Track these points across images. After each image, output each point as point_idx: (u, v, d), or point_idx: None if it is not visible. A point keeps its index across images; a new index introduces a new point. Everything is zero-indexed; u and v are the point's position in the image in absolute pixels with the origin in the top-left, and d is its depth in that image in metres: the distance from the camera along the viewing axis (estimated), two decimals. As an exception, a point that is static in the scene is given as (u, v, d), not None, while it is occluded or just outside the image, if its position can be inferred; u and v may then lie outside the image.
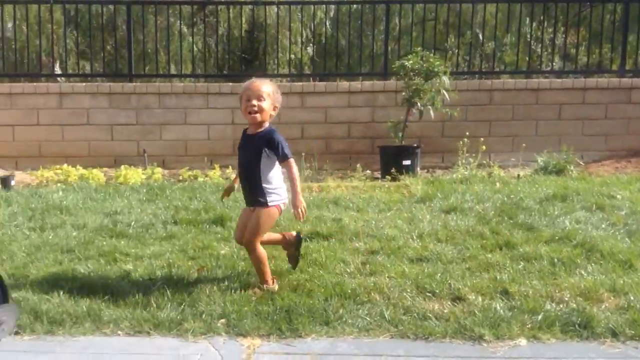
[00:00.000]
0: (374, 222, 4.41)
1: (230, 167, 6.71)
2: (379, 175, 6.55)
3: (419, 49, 6.91)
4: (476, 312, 2.86)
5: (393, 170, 6.26)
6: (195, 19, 9.47)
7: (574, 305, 2.91)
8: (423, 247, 3.83)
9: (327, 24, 9.69)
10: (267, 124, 3.21)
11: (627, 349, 2.58)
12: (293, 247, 3.46)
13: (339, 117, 7.40)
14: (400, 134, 6.73)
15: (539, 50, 8.34)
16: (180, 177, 6.46)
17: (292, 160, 3.16)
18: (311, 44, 9.46)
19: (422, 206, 4.96)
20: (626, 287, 3.10)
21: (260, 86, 3.14)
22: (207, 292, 3.11)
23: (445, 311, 2.92)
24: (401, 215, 4.66)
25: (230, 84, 7.47)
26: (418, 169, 6.61)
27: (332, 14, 9.79)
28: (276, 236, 3.42)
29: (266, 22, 8.99)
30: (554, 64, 8.29)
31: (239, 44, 9.17)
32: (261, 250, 3.17)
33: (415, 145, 6.72)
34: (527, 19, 8.86)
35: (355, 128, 7.42)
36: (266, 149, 3.11)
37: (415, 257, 3.66)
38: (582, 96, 7.38)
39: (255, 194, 3.14)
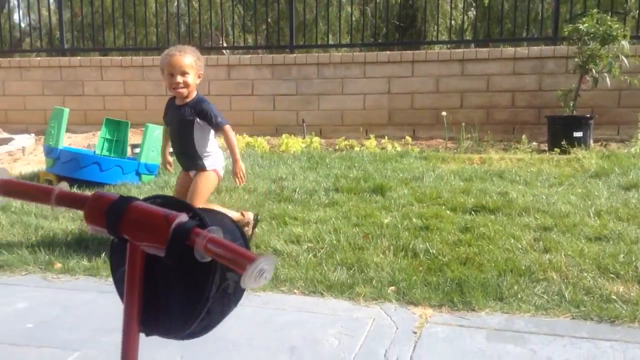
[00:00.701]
0: (544, 197, 4.16)
1: (385, 137, 6.70)
2: (546, 148, 6.15)
3: (595, 10, 6.30)
4: (672, 297, 2.58)
5: (563, 142, 5.83)
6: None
7: None
8: (602, 225, 3.55)
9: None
10: (194, 94, 3.20)
11: None
12: (249, 228, 3.36)
13: (502, 85, 7.03)
14: (571, 104, 6.23)
15: None
16: (337, 147, 6.58)
17: (227, 127, 3.22)
18: (472, 8, 9.03)
19: (597, 182, 4.59)
20: None
21: (182, 60, 3.07)
22: (375, 259, 3.14)
23: (632, 294, 2.67)
24: (574, 190, 4.36)
25: (388, 52, 7.40)
26: (591, 141, 6.10)
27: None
28: (234, 213, 3.26)
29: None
30: None
31: (396, 12, 9.01)
32: None
33: (587, 115, 6.19)
34: None
35: (519, 97, 7.00)
36: (198, 119, 3.13)
37: (593, 236, 3.41)
38: None
39: (192, 159, 3.22)
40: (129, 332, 1.00)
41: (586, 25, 6.03)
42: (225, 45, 9.70)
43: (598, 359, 2.20)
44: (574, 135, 5.95)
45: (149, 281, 1.00)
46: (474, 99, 7.09)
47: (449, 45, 8.17)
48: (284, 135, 6.69)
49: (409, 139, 6.69)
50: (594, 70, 6.06)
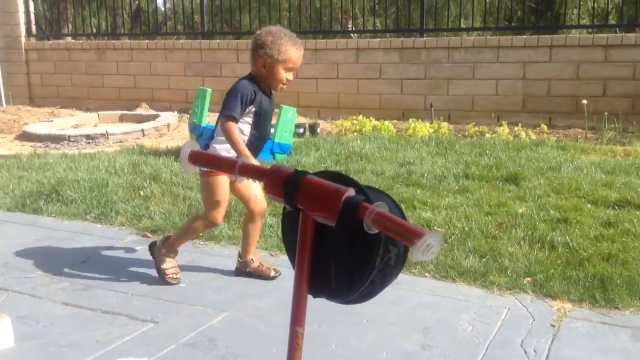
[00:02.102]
0: (699, 195, 3.81)
1: (519, 124, 6.45)
2: (701, 142, 5.59)
3: None
4: None
5: None
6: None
7: None
8: None
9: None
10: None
11: None
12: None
13: (652, 73, 6.47)
14: None
15: None
16: (466, 133, 6.42)
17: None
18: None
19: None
20: None
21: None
22: (509, 248, 3.07)
23: None
24: None
25: (524, 37, 7.06)
26: None
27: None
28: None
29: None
30: None
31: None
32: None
33: None
34: None
35: (673, 86, 6.41)
36: None
37: None
38: None
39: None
40: (299, 291, 1.09)
41: None
42: (353, 29, 9.78)
43: None
44: None
45: (318, 249, 1.08)
46: (618, 87, 6.58)
47: (590, 30, 7.63)
48: (410, 120, 6.66)
49: (544, 127, 6.38)
50: None
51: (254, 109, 2.67)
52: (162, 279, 2.82)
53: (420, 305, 2.56)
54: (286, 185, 1.06)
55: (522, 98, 7.00)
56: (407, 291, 2.68)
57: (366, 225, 0.97)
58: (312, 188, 1.05)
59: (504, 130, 6.18)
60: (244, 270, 2.89)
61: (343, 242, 1.05)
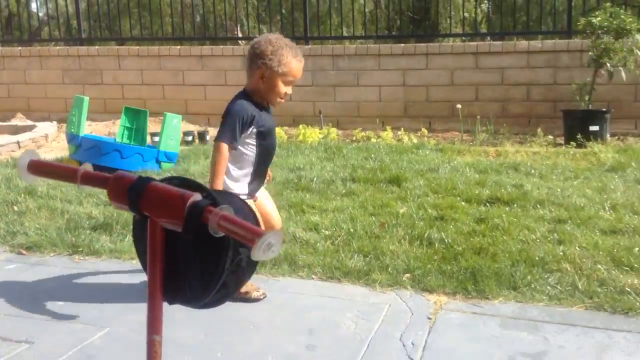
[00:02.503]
0: (559, 190, 4.19)
1: (401, 129, 6.74)
2: (562, 141, 6.15)
3: (608, 4, 6.29)
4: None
5: (579, 136, 5.84)
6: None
7: None
8: (617, 219, 3.58)
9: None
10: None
11: None
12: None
13: (516, 78, 7.02)
14: (586, 97, 6.23)
15: None
16: (354, 138, 6.63)
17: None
18: (486, 1, 9.00)
19: (613, 175, 4.61)
20: None
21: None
22: (390, 247, 3.20)
23: (646, 287, 2.71)
24: (590, 184, 4.38)
25: (402, 45, 7.41)
26: (607, 135, 6.10)
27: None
28: None
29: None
30: None
31: (410, 4, 9.01)
32: None
33: (604, 109, 6.19)
34: None
35: (535, 90, 7.00)
36: None
37: (608, 229, 3.44)
38: None
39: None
40: (153, 299, 1.10)
41: (599, 19, 6.02)
42: (240, 35, 9.76)
43: (611, 348, 2.25)
44: (590, 129, 5.95)
45: (170, 254, 1.09)
46: (489, 92, 7.09)
47: (463, 38, 8.17)
48: (301, 126, 6.75)
49: (425, 131, 6.72)
50: (608, 64, 6.04)
51: (255, 130, 2.48)
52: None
53: (306, 307, 2.61)
54: (130, 192, 1.06)
55: (404, 104, 7.34)
56: (294, 294, 2.72)
57: (211, 229, 0.99)
58: (157, 194, 1.05)
59: (387, 134, 6.44)
60: None
61: (193, 247, 1.06)
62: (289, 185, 4.44)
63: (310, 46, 7.77)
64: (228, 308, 2.54)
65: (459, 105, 6.54)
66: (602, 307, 2.57)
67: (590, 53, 6.22)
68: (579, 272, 2.88)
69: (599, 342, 2.29)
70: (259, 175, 2.61)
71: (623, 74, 6.07)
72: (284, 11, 8.79)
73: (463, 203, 3.99)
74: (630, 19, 6.04)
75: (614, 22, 6.02)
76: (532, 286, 2.75)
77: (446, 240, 3.29)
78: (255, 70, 2.47)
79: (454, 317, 2.51)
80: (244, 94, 2.53)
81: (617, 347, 2.26)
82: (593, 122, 5.99)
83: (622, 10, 6.24)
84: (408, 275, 2.89)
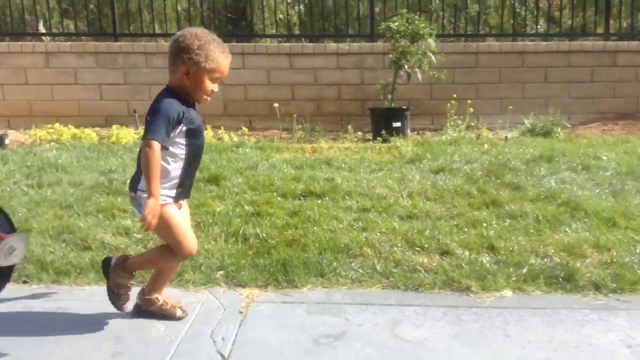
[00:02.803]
0: (365, 182, 4.51)
1: (222, 128, 6.75)
2: (370, 137, 6.63)
3: (404, 10, 6.93)
4: (463, 265, 3.00)
5: (384, 132, 6.34)
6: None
7: (558, 259, 3.06)
8: (413, 205, 3.95)
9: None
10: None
11: (610, 300, 2.72)
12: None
13: (328, 78, 7.42)
14: (389, 96, 6.79)
15: (523, 13, 8.34)
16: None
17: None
18: (298, 4, 9.36)
19: (412, 167, 5.07)
20: (609, 243, 3.24)
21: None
22: (205, 246, 3.21)
23: (434, 264, 3.05)
24: (392, 175, 4.77)
25: (219, 44, 7.42)
26: (408, 130, 6.70)
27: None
28: None
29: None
30: (538, 26, 8.29)
31: (225, 3, 9.04)
32: None
33: (404, 107, 6.79)
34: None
35: (345, 90, 7.46)
36: None
37: (405, 215, 3.78)
38: (567, 59, 7.45)
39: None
40: None
41: (397, 24, 6.60)
42: (44, 31, 9.00)
43: (402, 322, 2.50)
44: (393, 125, 6.49)
45: None
46: (304, 92, 7.40)
47: (280, 40, 8.42)
48: (114, 126, 6.44)
49: (245, 129, 6.81)
50: (406, 66, 6.65)
51: (184, 128, 2.29)
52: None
53: (114, 314, 2.52)
54: None
55: (223, 103, 7.36)
56: (101, 303, 2.60)
57: None
58: None
59: (207, 133, 6.40)
60: (145, 308, 2.49)
61: None
62: (98, 189, 4.21)
63: (120, 43, 7.43)
64: (31, 320, 2.36)
65: (276, 104, 6.72)
66: (397, 286, 2.84)
67: (390, 55, 6.79)
68: (379, 255, 3.15)
69: (392, 318, 2.53)
70: (188, 178, 2.42)
71: (419, 75, 6.72)
72: (91, 6, 8.27)
73: (279, 198, 4.12)
74: (423, 25, 6.70)
75: (410, 27, 6.63)
76: (337, 271, 2.94)
77: (261, 235, 3.38)
78: (179, 66, 2.30)
79: (264, 308, 2.60)
80: (169, 91, 2.34)
81: (408, 320, 2.51)
82: (396, 119, 6.54)
83: (416, 17, 6.90)
84: (222, 272, 2.93)
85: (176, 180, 2.37)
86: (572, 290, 2.78)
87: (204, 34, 2.35)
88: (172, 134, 2.26)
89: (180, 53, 2.29)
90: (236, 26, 9.41)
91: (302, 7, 9.80)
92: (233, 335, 2.34)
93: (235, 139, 6.38)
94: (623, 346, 2.27)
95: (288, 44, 7.61)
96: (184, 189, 2.43)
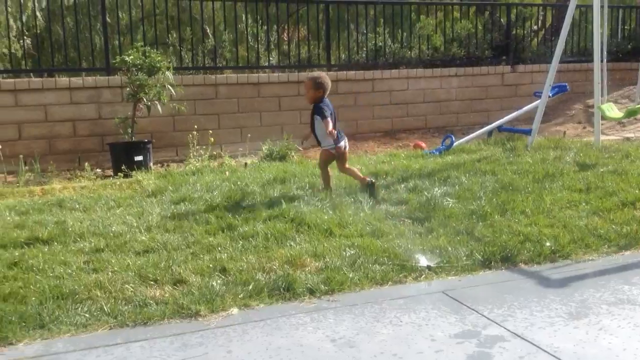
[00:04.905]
0: (100, 221, 4.34)
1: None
2: (111, 173, 6.40)
3: (140, 44, 6.91)
4: (194, 291, 3.07)
5: (124, 167, 6.17)
6: None
7: (281, 272, 3.32)
8: (150, 238, 3.91)
9: (39, 15, 9.01)
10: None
11: (322, 302, 3.04)
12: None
13: (61, 114, 6.98)
14: (129, 130, 6.65)
15: (256, 46, 8.91)
16: None
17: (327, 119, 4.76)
18: (24, 37, 8.65)
19: (153, 200, 5.02)
20: (325, 251, 3.62)
21: (306, 82, 5.10)
22: None
23: (165, 295, 3.07)
24: (131, 210, 4.67)
25: None
26: (151, 163, 6.63)
27: (43, 4, 9.09)
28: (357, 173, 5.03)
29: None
30: (271, 59, 8.97)
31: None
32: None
33: (146, 140, 6.71)
34: (244, 16, 9.43)
35: (81, 126, 7.09)
36: (316, 115, 4.89)
37: (141, 250, 3.73)
38: (297, 88, 8.16)
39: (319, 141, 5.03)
40: None
41: (132, 57, 6.54)
42: None
43: (128, 359, 2.46)
44: (135, 159, 6.36)
45: None
46: (32, 130, 6.84)
47: (4, 75, 7.68)
48: None
49: (-40, 176, 6.02)
50: (145, 99, 6.61)
51: None
52: None
53: None
54: None
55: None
56: None
57: None
58: None
59: None
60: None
61: None
62: None
63: None
64: None
65: (-1, 146, 6.10)
66: (125, 324, 2.79)
67: (128, 89, 6.67)
68: (108, 295, 3.06)
69: (117, 357, 2.48)
70: None
71: (159, 107, 6.72)
72: None
73: (-3, 250, 3.73)
74: (160, 58, 6.73)
75: (147, 61, 6.61)
76: (60, 319, 2.78)
77: (-31, 294, 3.02)
78: None
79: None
80: None
81: (133, 357, 2.49)
82: (137, 152, 6.43)
83: (153, 50, 6.90)
84: None
85: None
86: (291, 299, 3.05)
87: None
88: None
89: None
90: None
91: (29, 40, 9.06)
92: None
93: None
94: (328, 341, 2.57)
95: (12, 80, 6.98)
96: None
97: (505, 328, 2.70)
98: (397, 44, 9.50)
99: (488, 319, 2.81)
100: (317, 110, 4.89)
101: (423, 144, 7.44)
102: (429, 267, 3.43)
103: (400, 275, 3.35)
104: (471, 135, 7.26)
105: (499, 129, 7.25)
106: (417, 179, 5.20)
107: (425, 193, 4.74)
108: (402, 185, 5.03)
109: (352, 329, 2.69)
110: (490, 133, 7.28)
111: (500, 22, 10.46)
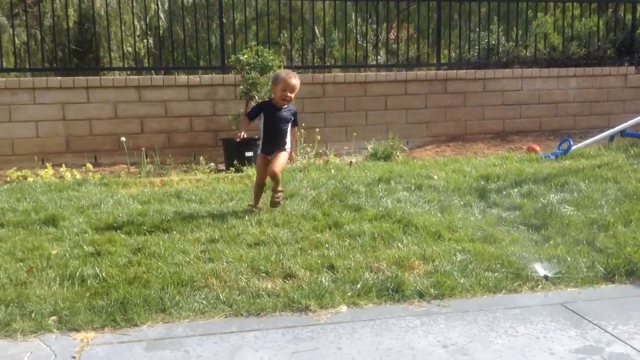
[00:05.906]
0: (215, 213, 4.53)
1: (63, 165, 6.42)
2: (224, 167, 6.66)
3: (253, 43, 7.11)
4: (304, 286, 3.13)
5: (236, 161, 6.41)
6: (16, 10, 8.83)
7: (389, 273, 3.30)
8: (261, 232, 4.03)
9: (162, 16, 9.56)
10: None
11: (431, 306, 2.99)
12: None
13: (180, 110, 7.37)
14: (241, 126, 6.88)
15: (364, 45, 8.92)
16: (8, 178, 6.05)
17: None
18: (147, 37, 9.22)
19: (263, 194, 5.17)
20: (434, 254, 3.55)
21: (297, 85, 4.60)
22: (38, 291, 3.04)
23: (277, 288, 3.15)
24: (243, 204, 4.83)
25: (59, 78, 7.09)
26: (259, 159, 6.82)
27: (165, 6, 9.63)
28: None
29: (94, 14, 8.67)
30: (379, 58, 8.93)
31: (69, 36, 8.66)
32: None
33: (256, 137, 6.90)
34: (353, 15, 9.46)
35: (197, 121, 7.45)
36: (292, 119, 4.63)
37: (253, 242, 3.85)
38: (404, 87, 8.08)
39: (281, 144, 4.60)
40: None
41: (246, 56, 6.76)
42: None
43: (243, 348, 2.55)
44: (246, 155, 6.58)
45: None
46: (153, 124, 7.27)
47: (127, 72, 8.22)
48: None
49: (90, 165, 6.52)
50: (256, 97, 6.81)
51: None
52: None
53: None
54: None
55: (65, 139, 7.02)
56: None
57: None
58: None
59: (47, 172, 6.06)
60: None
61: None
62: None
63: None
64: None
65: (123, 138, 6.54)
66: (240, 313, 2.90)
67: (241, 87, 6.91)
68: (223, 284, 3.18)
69: (233, 345, 2.57)
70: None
71: (268, 105, 6.89)
72: None
73: (122, 235, 4.00)
74: (272, 56, 6.91)
75: (259, 59, 6.81)
76: (180, 305, 2.93)
77: (100, 275, 3.26)
78: None
79: (99, 350, 2.52)
80: None
81: (248, 345, 2.57)
82: (248, 148, 6.63)
83: (265, 49, 7.10)
84: (54, 317, 2.79)
85: None
86: (400, 300, 3.02)
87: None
88: None
89: None
90: (82, 59, 9.03)
91: (148, 39, 9.65)
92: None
93: (78, 176, 6.10)
94: (439, 346, 2.51)
95: (137, 77, 7.46)
96: None
97: (632, 347, 2.52)
98: (512, 43, 9.14)
99: (612, 335, 2.63)
100: (296, 115, 4.72)
101: (537, 147, 7.09)
102: (546, 277, 3.27)
103: (515, 284, 3.21)
104: (591, 140, 6.83)
105: (622, 133, 6.75)
106: (532, 183, 4.97)
107: (541, 199, 4.51)
108: (515, 190, 4.82)
109: (464, 336, 2.62)
110: (612, 137, 6.80)
111: (623, 20, 9.76)
